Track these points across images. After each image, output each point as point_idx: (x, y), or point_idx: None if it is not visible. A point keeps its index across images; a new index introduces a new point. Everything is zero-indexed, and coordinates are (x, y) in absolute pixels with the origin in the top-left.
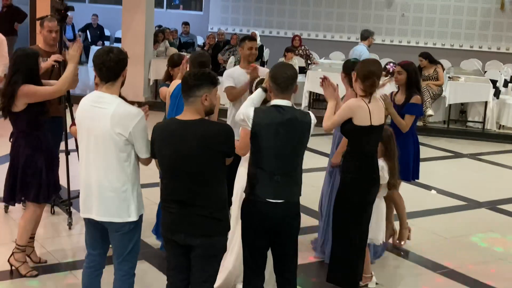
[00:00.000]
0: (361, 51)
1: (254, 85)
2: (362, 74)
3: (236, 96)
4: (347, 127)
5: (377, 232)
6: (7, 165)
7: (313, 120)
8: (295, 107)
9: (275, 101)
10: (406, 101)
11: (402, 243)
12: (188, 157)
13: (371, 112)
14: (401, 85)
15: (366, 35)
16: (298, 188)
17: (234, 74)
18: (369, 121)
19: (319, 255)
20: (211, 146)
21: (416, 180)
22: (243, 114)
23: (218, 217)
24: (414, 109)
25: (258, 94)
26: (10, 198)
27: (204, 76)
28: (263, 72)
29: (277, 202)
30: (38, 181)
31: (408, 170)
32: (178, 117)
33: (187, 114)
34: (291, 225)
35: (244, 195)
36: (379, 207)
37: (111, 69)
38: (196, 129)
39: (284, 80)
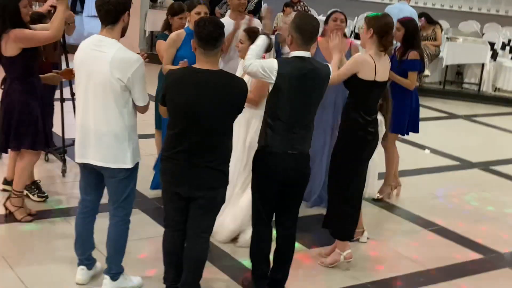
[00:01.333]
0: (411, 12)
1: (245, 34)
2: (381, 30)
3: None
4: (351, 80)
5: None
6: None
7: (332, 71)
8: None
9: (297, 53)
10: (401, 57)
11: (380, 197)
12: (206, 107)
13: (377, 68)
14: (400, 42)
15: None
16: (310, 139)
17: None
18: (373, 77)
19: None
20: (230, 99)
21: (410, 134)
22: (263, 67)
23: (223, 170)
24: (414, 65)
25: (264, 41)
26: (4, 146)
27: (222, 24)
28: (257, 24)
29: (293, 153)
30: (34, 128)
31: (404, 124)
32: (196, 66)
33: (207, 65)
34: (303, 176)
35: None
36: (372, 161)
37: (109, 12)
38: (219, 80)
39: (311, 31)
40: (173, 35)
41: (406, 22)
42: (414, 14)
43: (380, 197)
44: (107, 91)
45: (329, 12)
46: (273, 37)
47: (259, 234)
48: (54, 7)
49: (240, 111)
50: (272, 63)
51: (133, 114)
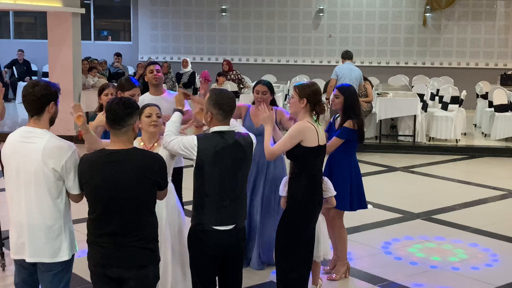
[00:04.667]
0: (359, 71)
1: None
2: (314, 98)
3: None
4: (296, 151)
5: (323, 248)
6: None
7: (254, 141)
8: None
9: (216, 128)
10: (341, 126)
11: (337, 277)
12: (124, 187)
13: (318, 132)
14: (339, 110)
15: (351, 54)
16: (244, 211)
17: (143, 102)
18: (317, 141)
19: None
20: (147, 175)
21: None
22: (183, 144)
23: (150, 247)
24: (343, 132)
25: (179, 117)
26: None
27: (132, 103)
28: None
29: (226, 229)
30: None
31: (346, 199)
32: (109, 147)
33: (118, 144)
34: (239, 250)
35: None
36: (322, 223)
37: (32, 103)
38: (132, 158)
39: (229, 105)
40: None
41: (345, 89)
42: (360, 73)
43: (337, 277)
44: (39, 182)
45: (254, 83)
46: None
47: None
48: None
49: (161, 187)
50: (191, 140)
51: (67, 204)
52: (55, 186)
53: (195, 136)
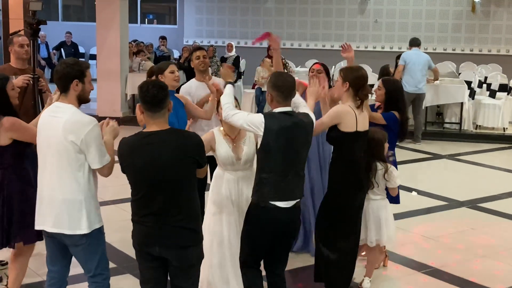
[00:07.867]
0: (427, 57)
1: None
2: (357, 83)
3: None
4: (333, 134)
5: (386, 232)
6: None
7: (314, 119)
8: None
9: (280, 109)
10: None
11: (376, 266)
12: (165, 167)
13: (358, 118)
14: (381, 102)
15: (417, 41)
16: (302, 189)
17: (191, 89)
18: (355, 127)
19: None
20: (186, 155)
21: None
22: (251, 121)
23: (193, 227)
24: (388, 117)
25: (231, 89)
26: (6, 242)
27: (165, 86)
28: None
29: (286, 206)
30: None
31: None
32: (147, 130)
33: (156, 126)
34: (295, 226)
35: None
36: (385, 208)
37: (57, 81)
38: (171, 139)
39: (288, 88)
40: None
41: (387, 82)
42: (427, 59)
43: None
44: (61, 154)
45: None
46: (253, 90)
47: (248, 278)
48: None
49: (200, 166)
50: (258, 118)
51: (89, 178)
52: (76, 159)
53: (261, 115)
